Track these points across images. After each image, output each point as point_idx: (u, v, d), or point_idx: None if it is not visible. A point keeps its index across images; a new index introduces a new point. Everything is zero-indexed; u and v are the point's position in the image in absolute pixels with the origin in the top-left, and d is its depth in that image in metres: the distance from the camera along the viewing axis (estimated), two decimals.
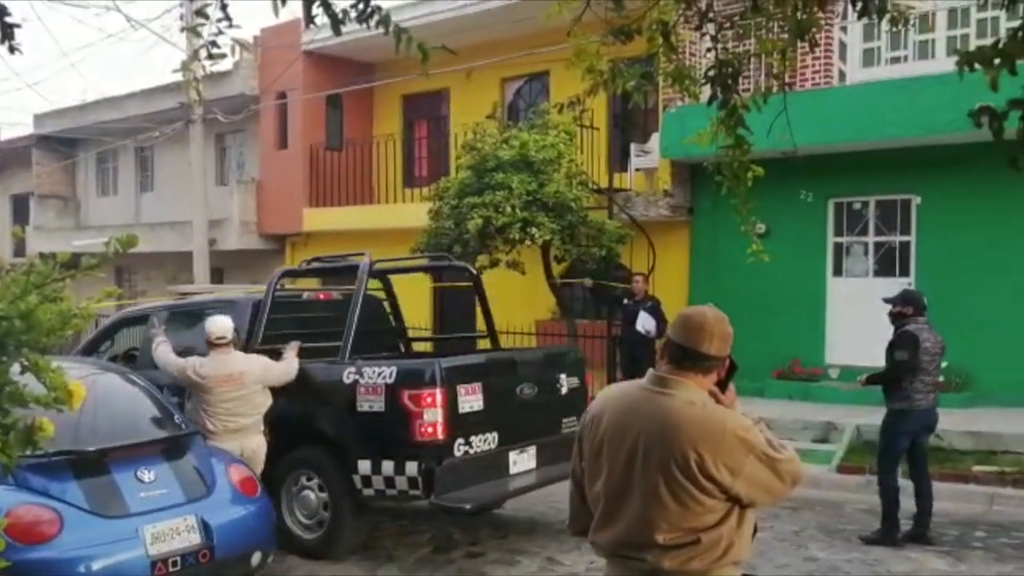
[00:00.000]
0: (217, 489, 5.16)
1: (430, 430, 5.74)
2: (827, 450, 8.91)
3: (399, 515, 7.77)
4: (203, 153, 15.96)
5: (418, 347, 9.07)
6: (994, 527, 7.00)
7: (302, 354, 6.37)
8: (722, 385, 2.62)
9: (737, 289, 11.20)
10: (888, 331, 6.62)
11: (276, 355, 6.34)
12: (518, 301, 12.63)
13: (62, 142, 21.79)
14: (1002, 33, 2.83)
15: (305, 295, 7.90)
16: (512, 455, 6.32)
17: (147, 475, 4.90)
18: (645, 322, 10.34)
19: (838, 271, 11.16)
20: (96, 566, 4.43)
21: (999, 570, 5.99)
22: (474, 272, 8.04)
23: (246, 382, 6.03)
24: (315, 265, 7.72)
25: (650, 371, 2.64)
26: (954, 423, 8.81)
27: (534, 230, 10.44)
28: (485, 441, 6.07)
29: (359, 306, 6.49)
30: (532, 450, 6.45)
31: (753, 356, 10.86)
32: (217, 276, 17.24)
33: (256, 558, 5.18)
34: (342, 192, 15.76)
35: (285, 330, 6.70)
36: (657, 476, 2.44)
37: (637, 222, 11.75)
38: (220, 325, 6.12)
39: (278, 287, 6.98)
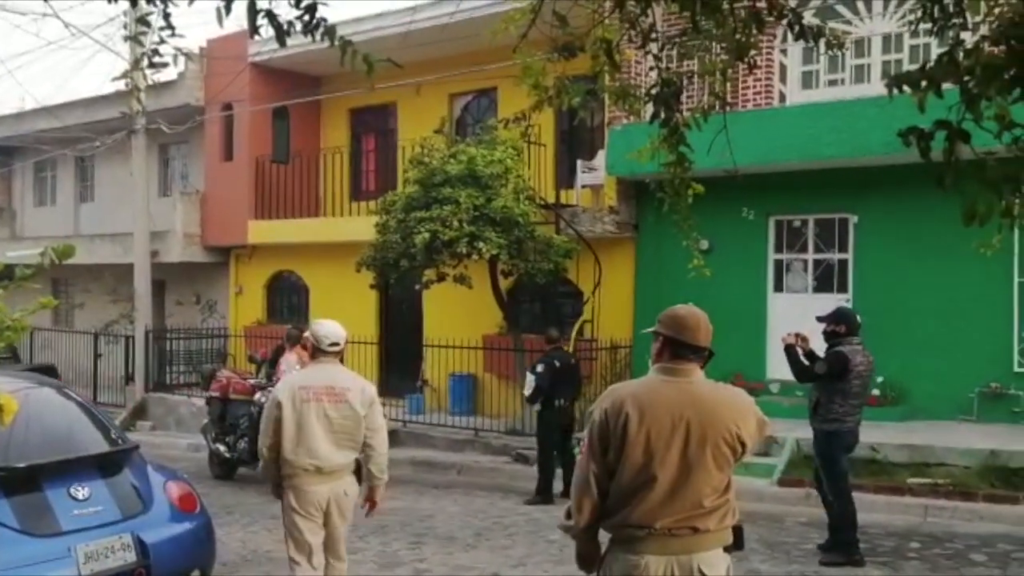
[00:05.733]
0: (155, 506, 5.03)
1: None
2: (768, 463, 9.05)
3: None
4: (146, 164, 15.67)
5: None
6: (928, 538, 7.18)
7: None
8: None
9: (680, 304, 11.34)
10: (824, 347, 6.69)
11: None
12: (465, 315, 12.64)
13: None
14: (933, 59, 2.94)
15: None
16: None
17: (81, 492, 4.76)
18: (529, 383, 9.17)
19: (779, 287, 11.39)
20: None
21: None
22: None
23: (351, 401, 4.86)
24: None
25: (659, 366, 3.08)
26: (889, 437, 9.05)
27: (481, 244, 10.46)
28: None
29: None
30: None
31: None
32: (159, 288, 16.90)
33: None
34: (288, 205, 15.60)
35: None
36: (707, 449, 2.92)
37: (583, 238, 11.85)
38: (332, 330, 4.98)
39: None
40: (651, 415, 2.92)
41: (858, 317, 6.62)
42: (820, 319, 6.65)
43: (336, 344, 4.92)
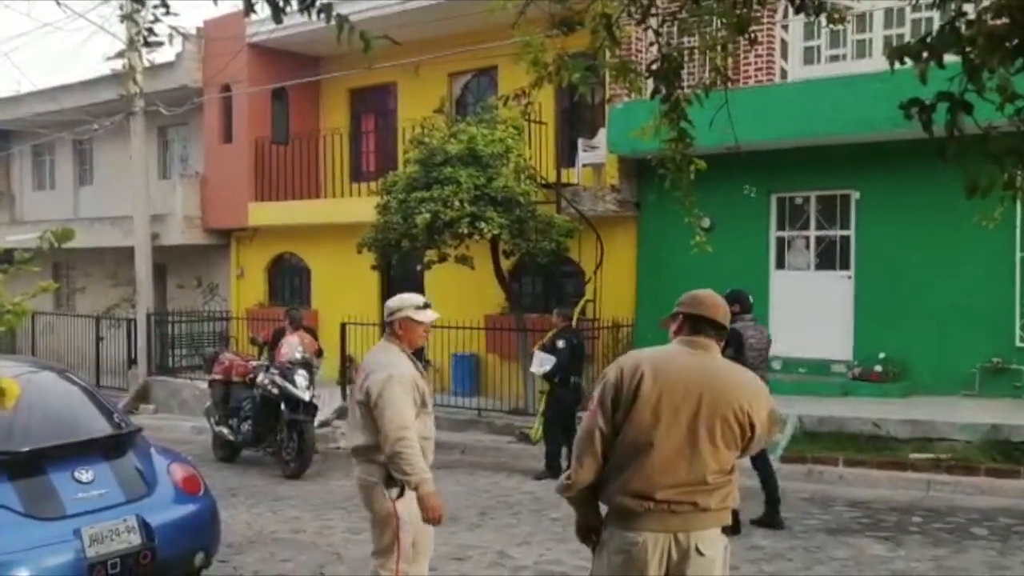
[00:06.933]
0: (159, 488, 5.05)
1: None
2: (771, 440, 9.07)
3: (352, 510, 7.73)
4: (145, 146, 15.61)
5: None
6: (930, 512, 7.21)
7: None
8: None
9: (683, 282, 11.18)
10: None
11: None
12: (467, 296, 12.63)
13: None
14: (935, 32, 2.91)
15: None
16: None
17: (85, 475, 4.77)
18: (544, 361, 9.17)
19: (780, 264, 11.37)
20: (31, 570, 4.31)
21: (935, 554, 6.17)
22: None
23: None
24: None
25: (681, 338, 3.09)
26: (892, 412, 9.07)
27: (483, 224, 10.44)
28: None
29: None
30: None
31: None
32: (160, 271, 16.90)
33: (199, 558, 5.09)
34: (288, 186, 15.56)
35: None
36: (716, 423, 2.93)
37: (585, 216, 11.82)
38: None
39: None
40: (665, 378, 2.95)
41: (751, 297, 7.19)
42: None
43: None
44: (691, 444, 2.91)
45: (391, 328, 4.41)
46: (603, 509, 3.13)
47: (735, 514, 3.12)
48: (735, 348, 6.58)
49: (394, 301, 4.46)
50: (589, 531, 3.17)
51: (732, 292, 6.91)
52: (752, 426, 2.98)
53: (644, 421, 2.91)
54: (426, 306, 4.42)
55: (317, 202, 15.25)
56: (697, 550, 2.91)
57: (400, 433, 4.10)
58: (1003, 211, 6.92)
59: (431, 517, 4.16)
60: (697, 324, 3.08)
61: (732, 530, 3.11)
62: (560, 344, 9.16)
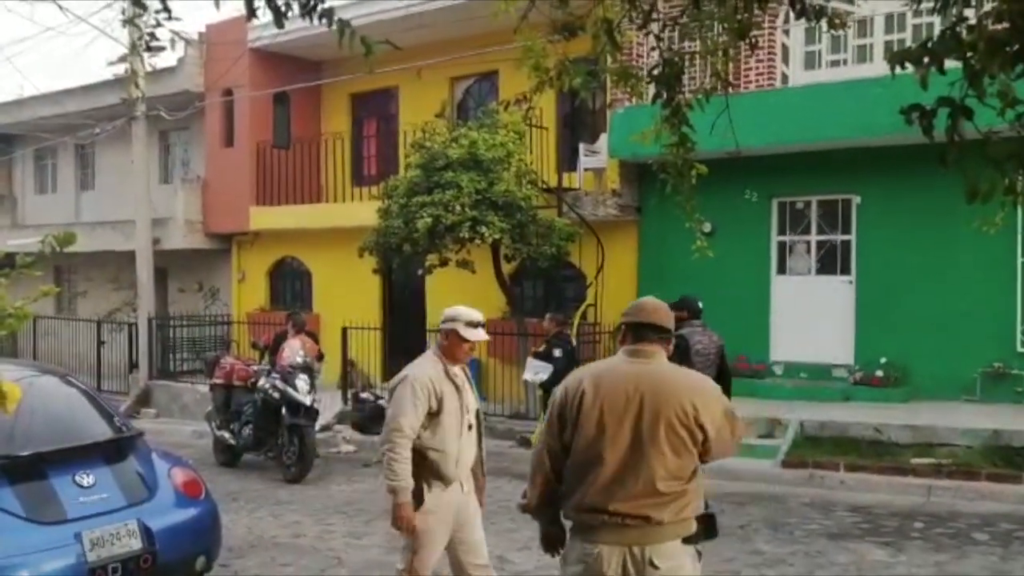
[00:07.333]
0: (160, 492, 5.04)
1: None
2: (772, 445, 9.07)
3: (352, 514, 7.73)
4: (146, 151, 15.63)
5: None
6: (932, 518, 7.20)
7: None
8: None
9: (684, 287, 11.21)
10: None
11: None
12: (468, 300, 12.54)
13: None
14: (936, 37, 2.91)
15: None
16: None
17: (86, 479, 4.77)
18: (538, 369, 9.03)
19: (782, 269, 11.37)
20: (32, 574, 4.30)
21: (936, 559, 6.16)
22: None
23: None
24: None
25: (624, 348, 3.08)
26: (893, 417, 9.06)
27: (484, 229, 10.44)
28: None
29: None
30: None
31: None
32: (161, 276, 16.91)
33: (200, 562, 5.08)
34: (290, 191, 15.57)
35: None
36: (660, 429, 2.86)
37: (586, 221, 11.82)
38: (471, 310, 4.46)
39: None
40: (606, 390, 2.95)
41: (699, 303, 7.22)
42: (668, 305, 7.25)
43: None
44: (638, 451, 2.87)
45: (440, 336, 4.43)
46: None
47: (711, 518, 3.06)
48: (681, 353, 6.72)
49: (451, 310, 4.45)
50: (552, 542, 3.27)
51: (681, 298, 7.19)
52: (701, 427, 2.88)
53: (590, 435, 2.93)
54: (479, 325, 4.39)
55: (318, 206, 15.26)
56: (651, 563, 2.87)
57: (390, 435, 4.14)
58: (1004, 216, 6.94)
59: (397, 525, 4.21)
60: (639, 331, 3.07)
61: (707, 535, 3.05)
62: (557, 353, 9.13)
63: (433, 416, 4.23)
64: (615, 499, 2.86)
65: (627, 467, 2.86)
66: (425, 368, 4.31)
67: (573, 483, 2.96)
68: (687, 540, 2.95)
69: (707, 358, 6.89)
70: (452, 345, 4.36)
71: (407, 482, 4.15)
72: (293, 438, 9.44)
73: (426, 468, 4.23)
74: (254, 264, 16.49)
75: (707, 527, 3.03)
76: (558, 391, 3.09)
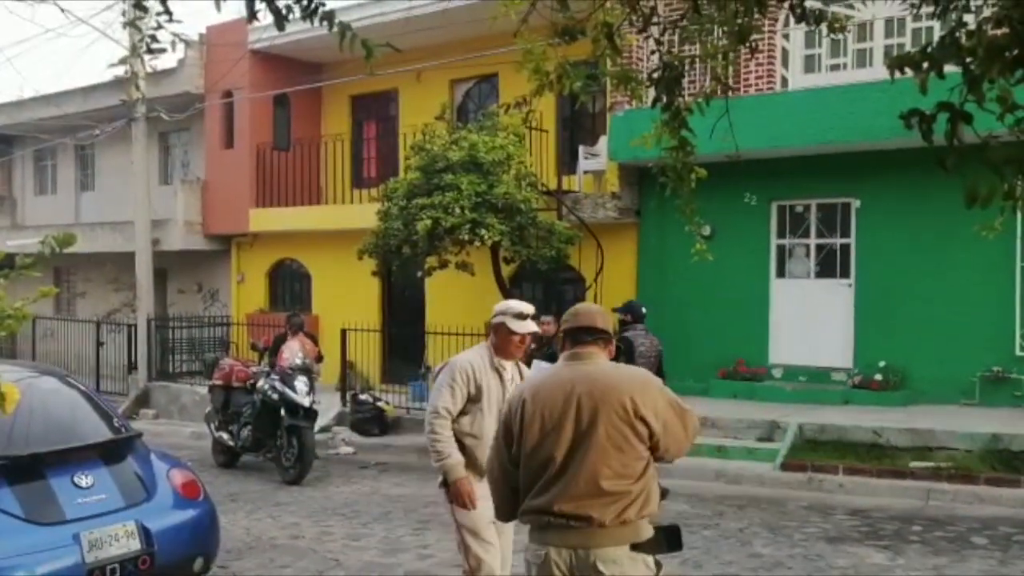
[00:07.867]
0: (158, 493, 5.05)
1: None
2: (771, 448, 9.07)
3: (351, 516, 7.73)
4: (146, 152, 15.64)
5: None
6: (930, 521, 7.20)
7: None
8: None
9: (684, 290, 11.36)
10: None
11: None
12: (467, 302, 12.63)
13: None
14: (935, 42, 2.92)
15: None
16: None
17: (85, 480, 4.77)
18: (545, 370, 8.93)
19: (781, 272, 11.38)
20: (30, 574, 4.30)
21: (935, 563, 6.16)
22: None
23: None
24: None
25: (564, 354, 3.11)
26: (891, 421, 9.07)
27: (483, 231, 10.45)
28: None
29: None
30: None
31: (699, 356, 11.05)
32: (160, 277, 16.91)
33: (199, 564, 5.08)
34: (289, 192, 15.58)
35: None
36: (599, 426, 2.85)
37: (585, 224, 11.83)
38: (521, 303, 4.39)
39: None
40: (544, 396, 2.95)
41: (643, 308, 7.63)
42: (615, 309, 7.57)
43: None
44: (580, 450, 2.86)
45: (491, 331, 4.37)
46: None
47: (676, 530, 2.94)
48: (626, 355, 6.84)
49: (501, 304, 4.44)
50: None
51: (626, 303, 7.59)
52: (643, 419, 2.85)
53: (534, 441, 2.94)
54: (528, 317, 4.28)
55: (318, 208, 15.27)
56: (596, 568, 2.82)
57: (428, 419, 4.20)
58: (1003, 221, 6.94)
59: (458, 503, 4.14)
60: (576, 336, 3.10)
61: (670, 547, 2.92)
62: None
63: (472, 403, 4.22)
64: (560, 499, 2.85)
65: (570, 467, 2.86)
66: (470, 356, 4.34)
67: (527, 490, 2.98)
68: (639, 547, 2.86)
69: (649, 360, 7.14)
70: (502, 340, 4.31)
71: (455, 458, 4.12)
72: (292, 439, 9.44)
73: (463, 457, 4.20)
74: (253, 265, 16.49)
75: (669, 539, 2.93)
76: (503, 408, 3.16)
